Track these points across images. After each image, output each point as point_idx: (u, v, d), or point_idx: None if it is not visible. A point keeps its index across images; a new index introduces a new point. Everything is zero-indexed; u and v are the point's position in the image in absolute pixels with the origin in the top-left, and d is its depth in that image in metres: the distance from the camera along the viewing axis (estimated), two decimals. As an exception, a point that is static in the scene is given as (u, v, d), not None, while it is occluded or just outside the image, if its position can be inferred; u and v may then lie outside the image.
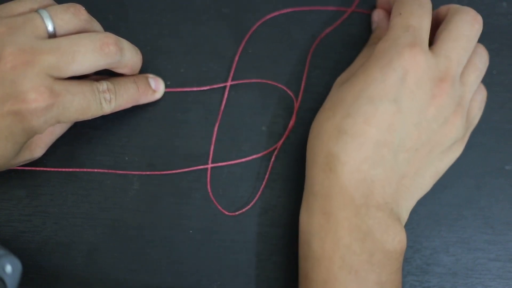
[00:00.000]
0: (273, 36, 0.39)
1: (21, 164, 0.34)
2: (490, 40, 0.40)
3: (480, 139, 0.38)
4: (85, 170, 0.36)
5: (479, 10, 0.40)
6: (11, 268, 0.30)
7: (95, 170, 0.36)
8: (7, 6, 0.32)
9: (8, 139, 0.30)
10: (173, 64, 0.38)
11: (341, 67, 0.38)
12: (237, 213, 0.36)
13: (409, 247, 0.37)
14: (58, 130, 0.35)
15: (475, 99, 0.34)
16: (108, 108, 0.33)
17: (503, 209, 0.37)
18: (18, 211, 0.36)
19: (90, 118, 0.33)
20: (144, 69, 0.37)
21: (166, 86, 0.37)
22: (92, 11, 0.38)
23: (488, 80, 0.39)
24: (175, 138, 0.37)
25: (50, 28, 0.31)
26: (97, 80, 0.33)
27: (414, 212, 0.37)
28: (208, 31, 0.39)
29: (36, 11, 0.31)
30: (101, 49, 0.31)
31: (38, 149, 0.34)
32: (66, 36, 0.31)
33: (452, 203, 0.37)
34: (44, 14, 0.31)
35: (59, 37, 0.31)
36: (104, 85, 0.33)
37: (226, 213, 0.36)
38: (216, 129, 0.37)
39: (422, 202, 0.37)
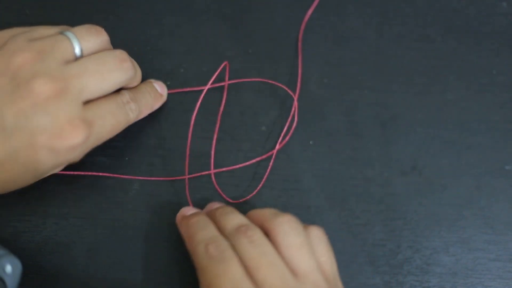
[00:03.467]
0: (272, 35, 0.39)
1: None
2: (490, 40, 0.40)
3: (480, 139, 0.38)
4: (90, 173, 0.36)
5: (479, 10, 0.40)
6: (11, 268, 0.30)
7: (100, 173, 0.36)
8: (34, 30, 0.31)
9: (38, 171, 0.29)
10: (173, 64, 0.38)
11: (336, 62, 0.37)
12: (240, 200, 0.36)
13: (409, 247, 0.37)
14: (90, 145, 0.33)
15: None
16: (133, 116, 0.33)
17: (503, 209, 0.37)
18: (18, 211, 0.36)
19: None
20: (144, 69, 0.37)
21: (166, 86, 0.37)
22: (92, 11, 0.38)
23: (488, 80, 0.39)
24: (175, 138, 0.37)
25: (77, 51, 0.31)
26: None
27: (414, 212, 0.37)
28: (208, 31, 0.39)
29: (62, 33, 0.31)
30: (121, 65, 0.31)
31: (58, 169, 0.33)
32: (89, 56, 0.31)
33: (452, 203, 0.37)
34: (71, 36, 0.31)
35: (84, 57, 0.31)
36: (126, 95, 0.33)
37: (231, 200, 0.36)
38: (216, 130, 0.37)
39: (422, 202, 0.37)
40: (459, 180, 0.38)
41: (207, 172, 0.37)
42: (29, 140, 0.28)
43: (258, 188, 0.37)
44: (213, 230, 0.31)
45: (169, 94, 0.37)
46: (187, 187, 0.36)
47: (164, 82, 0.37)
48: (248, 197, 0.37)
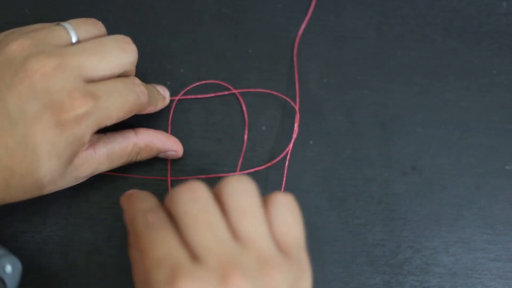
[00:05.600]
0: (273, 35, 0.39)
1: (67, 187, 0.32)
2: (490, 40, 0.40)
3: (480, 139, 0.38)
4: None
5: (479, 10, 0.40)
6: (11, 268, 0.30)
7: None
8: (29, 26, 0.31)
9: (52, 154, 0.28)
10: (173, 64, 0.38)
11: (335, 62, 0.37)
12: None
13: (409, 247, 0.37)
14: (108, 163, 0.33)
15: None
16: (144, 99, 0.32)
17: (503, 209, 0.37)
18: (18, 211, 0.36)
19: (130, 115, 0.32)
20: (144, 69, 0.37)
21: (166, 86, 0.37)
22: (92, 11, 0.38)
23: (488, 80, 0.39)
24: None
25: (74, 39, 0.31)
26: None
27: (414, 212, 0.37)
28: (208, 31, 0.39)
29: (58, 24, 0.31)
30: (124, 47, 0.31)
31: (85, 173, 0.32)
32: (87, 40, 0.31)
33: (452, 203, 0.37)
34: (67, 25, 0.31)
35: (82, 41, 0.31)
36: (136, 79, 0.33)
37: None
38: (245, 138, 0.37)
39: (422, 202, 0.37)
40: (459, 180, 0.38)
41: (231, 174, 0.37)
42: (34, 122, 0.28)
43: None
44: (154, 201, 0.29)
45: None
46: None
47: (164, 82, 0.37)
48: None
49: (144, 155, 0.35)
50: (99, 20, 0.34)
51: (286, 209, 0.29)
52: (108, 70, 0.30)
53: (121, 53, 0.31)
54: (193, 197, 0.27)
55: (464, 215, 0.37)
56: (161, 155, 0.36)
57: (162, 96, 0.36)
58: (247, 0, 0.39)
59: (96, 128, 0.30)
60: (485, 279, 0.37)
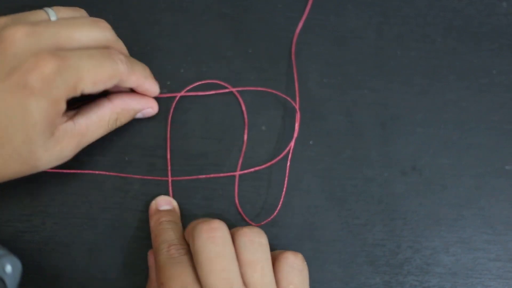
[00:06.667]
0: (273, 35, 0.39)
1: (53, 166, 0.32)
2: (490, 40, 0.40)
3: (480, 139, 0.38)
4: (90, 172, 0.36)
5: (479, 10, 0.40)
6: (11, 268, 0.30)
7: (100, 172, 0.36)
8: (18, 13, 0.33)
9: (26, 119, 0.28)
10: (173, 64, 0.38)
11: (336, 62, 0.37)
12: (262, 223, 0.36)
13: (409, 247, 0.37)
14: (90, 134, 0.33)
15: None
16: (123, 68, 0.32)
17: (503, 209, 0.37)
18: (18, 211, 0.36)
19: (110, 83, 0.31)
20: (144, 69, 0.37)
21: (166, 86, 0.37)
22: (92, 11, 0.38)
23: (488, 80, 0.39)
24: (175, 138, 0.37)
25: (52, 19, 0.32)
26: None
27: (414, 212, 0.37)
28: (208, 31, 0.39)
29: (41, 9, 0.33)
30: (96, 24, 0.32)
31: (69, 147, 0.32)
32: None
33: (452, 203, 0.37)
34: (48, 9, 0.32)
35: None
36: (116, 51, 0.33)
37: (252, 223, 0.36)
38: (245, 138, 0.37)
39: (422, 202, 0.37)
40: (459, 180, 0.38)
41: (231, 174, 0.37)
42: (8, 85, 0.28)
43: (277, 210, 0.37)
44: (178, 232, 0.33)
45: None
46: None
47: (164, 82, 0.37)
48: (269, 219, 0.37)
49: (123, 119, 0.35)
50: (99, 20, 0.34)
51: (293, 268, 0.31)
52: (83, 42, 0.31)
53: (94, 27, 0.32)
54: (211, 237, 0.29)
55: (464, 215, 0.37)
56: (139, 115, 0.36)
57: (154, 80, 0.36)
58: (247, 0, 0.39)
59: (70, 91, 0.30)
60: (485, 279, 0.37)
